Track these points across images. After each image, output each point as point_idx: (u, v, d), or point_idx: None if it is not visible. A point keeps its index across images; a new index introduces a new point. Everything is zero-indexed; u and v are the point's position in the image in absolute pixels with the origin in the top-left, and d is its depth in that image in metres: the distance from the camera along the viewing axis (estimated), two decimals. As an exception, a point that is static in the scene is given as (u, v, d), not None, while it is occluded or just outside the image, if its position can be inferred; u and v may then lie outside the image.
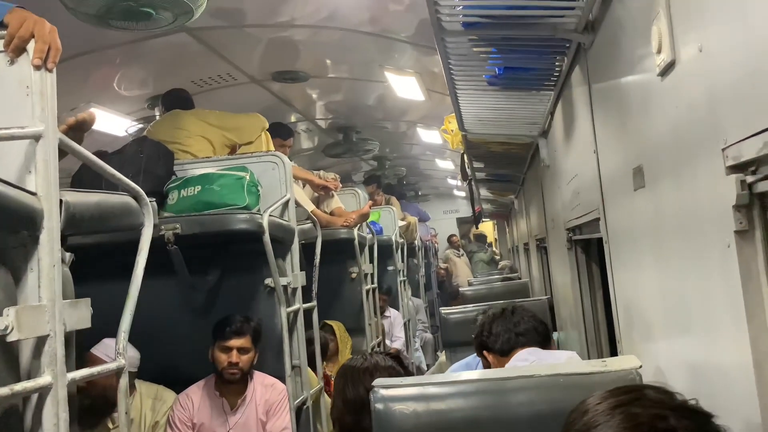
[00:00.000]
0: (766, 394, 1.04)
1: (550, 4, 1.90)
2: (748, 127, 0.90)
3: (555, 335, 4.21)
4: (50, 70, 1.39)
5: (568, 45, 2.23)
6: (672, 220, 1.38)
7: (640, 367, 1.40)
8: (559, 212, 3.41)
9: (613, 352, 2.46)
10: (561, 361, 1.90)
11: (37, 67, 1.37)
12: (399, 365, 1.99)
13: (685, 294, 1.36)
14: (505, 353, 2.05)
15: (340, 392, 1.90)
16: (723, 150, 1.00)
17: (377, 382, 1.39)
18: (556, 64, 2.47)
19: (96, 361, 2.37)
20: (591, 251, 2.94)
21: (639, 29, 1.46)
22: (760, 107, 0.88)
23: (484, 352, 2.16)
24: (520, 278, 7.38)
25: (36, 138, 1.34)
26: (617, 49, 1.74)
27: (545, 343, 2.10)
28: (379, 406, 1.34)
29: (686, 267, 1.32)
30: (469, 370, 2.73)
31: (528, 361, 1.91)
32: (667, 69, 1.27)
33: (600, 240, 2.33)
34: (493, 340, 2.10)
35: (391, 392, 1.36)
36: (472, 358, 2.87)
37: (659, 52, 1.29)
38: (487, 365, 2.62)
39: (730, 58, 0.99)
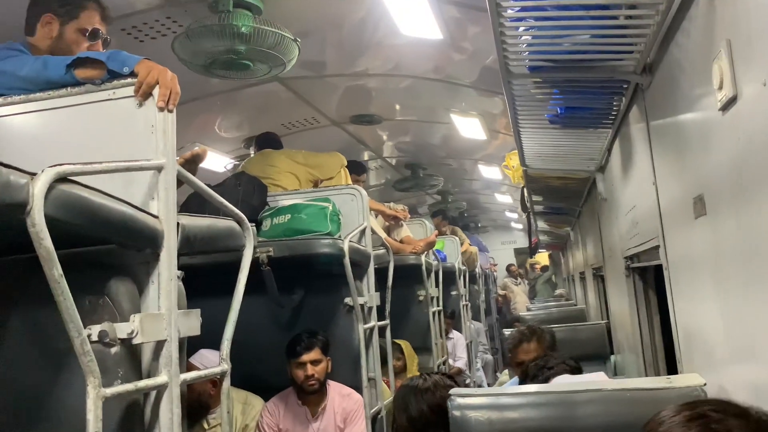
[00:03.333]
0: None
1: (609, 48, 1.88)
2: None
3: (612, 358, 4.05)
4: (171, 111, 1.49)
5: (626, 86, 2.19)
6: (734, 247, 1.32)
7: (705, 384, 1.34)
8: (616, 242, 3.32)
9: (673, 374, 2.35)
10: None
11: (161, 109, 1.47)
12: (455, 384, 1.96)
13: (750, 317, 1.30)
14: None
15: (404, 410, 1.87)
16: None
17: (455, 391, 1.38)
18: (614, 104, 2.43)
19: (193, 369, 2.42)
20: (648, 278, 2.84)
21: (697, 68, 1.43)
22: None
23: None
24: (575, 305, 7.16)
25: (159, 169, 1.42)
26: (676, 88, 1.71)
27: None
28: (456, 413, 1.33)
29: (748, 294, 1.26)
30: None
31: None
32: (729, 104, 1.24)
33: (657, 267, 2.25)
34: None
35: (467, 401, 1.35)
36: None
37: (720, 88, 1.26)
38: None
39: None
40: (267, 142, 3.80)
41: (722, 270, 1.45)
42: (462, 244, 6.72)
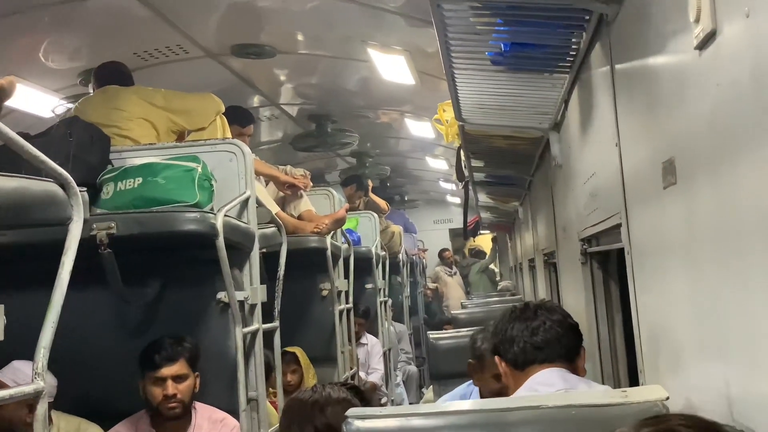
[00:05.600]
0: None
1: (567, -35, 1.91)
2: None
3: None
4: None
5: (588, 17, 2.24)
6: (710, 221, 1.38)
7: (667, 398, 1.40)
8: (572, 220, 3.43)
9: (634, 385, 2.46)
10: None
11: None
12: (357, 397, 1.97)
13: (725, 314, 1.36)
14: (518, 367, 1.95)
15: (285, 431, 1.89)
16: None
17: (351, 412, 1.37)
18: (573, 40, 2.48)
19: (2, 387, 2.35)
20: (609, 266, 2.96)
21: (673, -5, 1.47)
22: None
23: (497, 358, 2.05)
24: (522, 300, 7.39)
25: (-62, 105, 1.31)
26: (647, 22, 1.75)
27: (572, 358, 1.96)
28: (353, 441, 1.32)
29: (728, 277, 1.32)
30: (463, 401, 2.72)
31: (554, 388, 1.82)
32: (707, 41, 1.27)
33: (620, 251, 2.34)
34: (506, 346, 1.99)
35: (367, 424, 1.34)
36: (466, 386, 2.89)
37: (697, 21, 1.29)
38: (488, 388, 2.60)
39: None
40: (111, 75, 3.65)
41: (695, 254, 1.50)
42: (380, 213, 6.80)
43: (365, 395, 2.07)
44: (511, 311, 2.05)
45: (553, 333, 1.95)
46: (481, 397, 2.71)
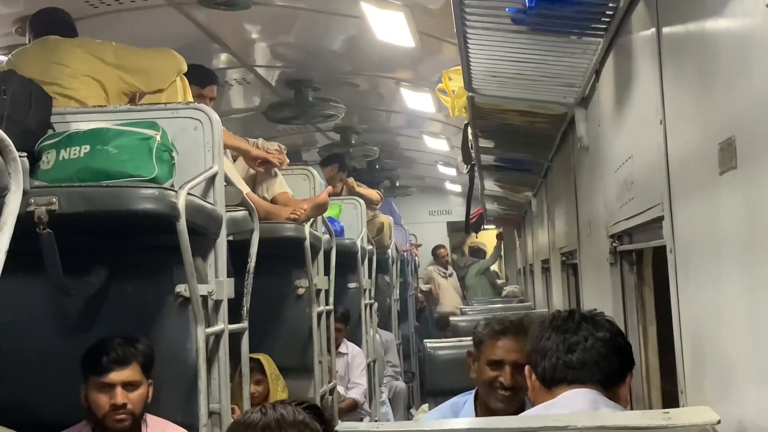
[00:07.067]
0: None
1: None
2: None
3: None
4: None
5: (630, -32, 2.24)
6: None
7: (719, 422, 1.40)
8: (599, 213, 3.43)
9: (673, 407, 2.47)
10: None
11: None
12: (317, 419, 1.94)
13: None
14: (546, 384, 1.97)
15: None
16: None
17: (342, 426, 1.36)
18: (611, -3, 2.48)
19: None
20: (644, 268, 2.96)
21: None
22: None
23: (527, 369, 2.08)
24: (533, 308, 7.43)
25: None
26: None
27: (611, 384, 1.95)
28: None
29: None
30: (453, 417, 2.76)
31: (565, 410, 1.81)
32: (782, -3, 1.27)
33: (660, 250, 2.34)
34: (538, 358, 2.01)
35: (362, 443, 1.33)
36: (460, 398, 2.93)
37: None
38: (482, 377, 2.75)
39: None
40: (51, 24, 3.64)
41: (756, 253, 1.50)
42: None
43: (326, 418, 2.02)
44: (552, 318, 2.07)
45: (594, 353, 1.95)
46: (476, 401, 2.84)
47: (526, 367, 2.09)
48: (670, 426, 1.39)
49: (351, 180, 7.52)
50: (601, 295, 3.39)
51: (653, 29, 2.22)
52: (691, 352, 2.07)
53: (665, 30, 2.14)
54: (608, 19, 2.65)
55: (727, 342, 1.73)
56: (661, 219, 2.22)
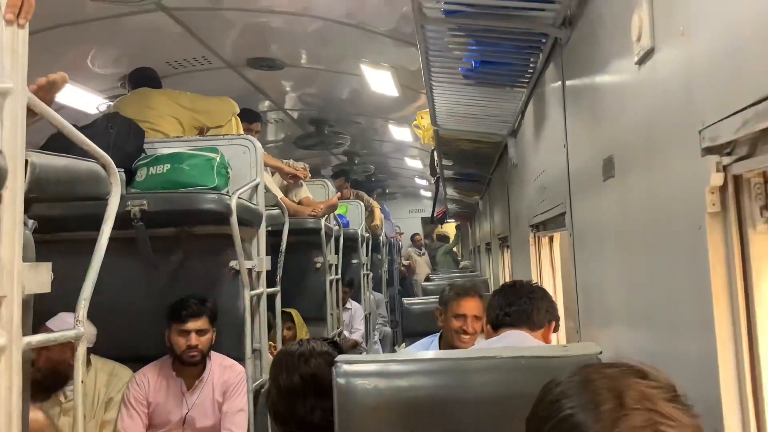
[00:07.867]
0: (729, 379, 1.04)
1: (530, -4, 1.90)
2: (726, 107, 0.89)
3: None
4: (22, 26, 1.32)
5: (544, 40, 2.23)
6: (641, 207, 1.37)
7: (600, 352, 1.40)
8: (523, 210, 3.43)
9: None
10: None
11: (9, 22, 1.30)
12: (336, 351, 1.94)
13: (651, 281, 1.36)
14: (494, 327, 2.01)
15: (274, 379, 1.84)
16: (700, 132, 0.99)
17: (340, 358, 1.35)
18: (531, 60, 2.47)
19: (49, 333, 2.30)
20: (553, 248, 2.96)
21: (619, 21, 1.46)
22: (740, 86, 0.87)
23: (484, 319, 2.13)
24: (480, 276, 7.41)
25: (4, 94, 1.27)
26: (595, 43, 1.74)
27: (537, 327, 1.99)
28: (341, 380, 1.30)
29: (653, 253, 1.32)
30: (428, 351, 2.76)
31: (501, 344, 1.85)
32: (646, 56, 1.27)
33: (564, 235, 2.33)
34: (491, 311, 2.06)
35: (353, 368, 1.33)
36: (429, 338, 2.91)
37: (639, 39, 1.28)
38: (447, 326, 2.73)
39: (709, 38, 0.98)
40: (143, 79, 3.59)
41: (627, 235, 1.50)
42: (370, 211, 6.74)
43: (343, 349, 2.03)
44: (502, 286, 2.13)
45: (525, 307, 1.99)
46: (440, 340, 2.82)
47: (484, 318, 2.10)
48: (566, 355, 1.39)
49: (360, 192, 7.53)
50: (525, 266, 3.39)
51: (560, 82, 2.22)
52: (584, 303, 2.07)
53: (568, 83, 2.14)
54: (529, 76, 2.65)
55: (607, 296, 1.73)
56: (564, 213, 2.23)
